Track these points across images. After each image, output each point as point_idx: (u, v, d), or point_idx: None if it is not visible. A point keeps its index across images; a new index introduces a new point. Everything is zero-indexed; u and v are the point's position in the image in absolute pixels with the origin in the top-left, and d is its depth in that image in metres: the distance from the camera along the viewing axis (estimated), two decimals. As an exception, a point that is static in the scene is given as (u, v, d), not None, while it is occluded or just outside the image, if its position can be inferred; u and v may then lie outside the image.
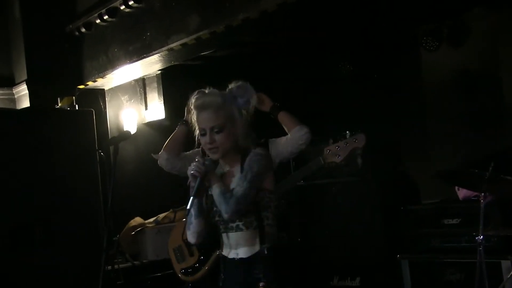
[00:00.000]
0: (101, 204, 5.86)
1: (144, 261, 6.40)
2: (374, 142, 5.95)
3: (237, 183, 3.03)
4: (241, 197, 2.98)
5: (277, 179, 3.50)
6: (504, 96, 6.27)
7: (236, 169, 3.09)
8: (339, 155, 3.96)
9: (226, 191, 3.01)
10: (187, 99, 5.02)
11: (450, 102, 6.77)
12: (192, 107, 3.15)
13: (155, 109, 7.17)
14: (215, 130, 3.04)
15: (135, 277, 6.14)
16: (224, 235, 3.16)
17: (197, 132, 3.16)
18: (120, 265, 5.48)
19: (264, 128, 3.55)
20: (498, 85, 6.31)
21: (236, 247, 3.12)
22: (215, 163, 3.16)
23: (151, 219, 6.69)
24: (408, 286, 5.19)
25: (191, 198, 3.03)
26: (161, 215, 6.68)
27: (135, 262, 6.36)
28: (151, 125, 7.33)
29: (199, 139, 3.15)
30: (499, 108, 6.29)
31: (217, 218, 3.12)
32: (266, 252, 3.04)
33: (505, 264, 4.60)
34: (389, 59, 6.96)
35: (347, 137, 3.92)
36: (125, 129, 7.00)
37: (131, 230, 6.56)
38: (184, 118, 4.47)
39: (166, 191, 6.98)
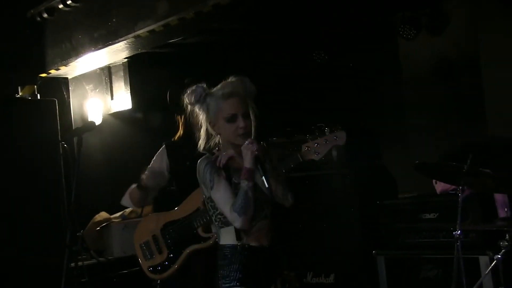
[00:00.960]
0: (64, 198, 5.83)
1: (110, 257, 6.38)
2: (350, 133, 6.03)
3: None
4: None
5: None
6: (484, 85, 6.33)
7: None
8: (318, 153, 3.95)
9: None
10: (155, 88, 5.02)
11: (429, 92, 6.82)
12: (214, 96, 3.33)
13: (122, 99, 7.13)
14: (245, 116, 3.28)
15: (100, 275, 6.10)
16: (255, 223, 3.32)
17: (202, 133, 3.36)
18: (84, 262, 5.42)
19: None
20: (478, 74, 6.36)
21: (259, 236, 3.34)
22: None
23: (117, 214, 6.67)
24: (384, 283, 5.22)
25: (265, 176, 3.20)
26: (128, 210, 6.65)
27: (100, 258, 6.33)
28: (117, 115, 7.29)
29: (222, 128, 3.30)
30: (480, 98, 6.35)
31: None
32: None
33: (483, 259, 4.66)
34: (366, 48, 6.99)
35: (327, 134, 3.91)
36: (89, 120, 6.93)
37: (96, 225, 6.53)
38: (141, 182, 4.62)
39: (132, 183, 6.96)
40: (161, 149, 4.71)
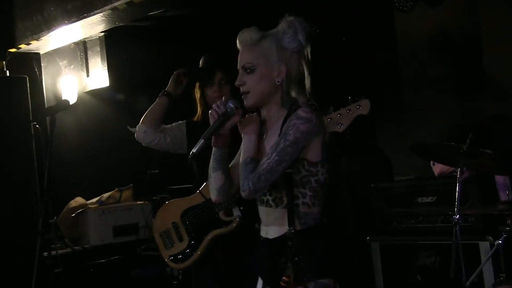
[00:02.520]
0: (36, 183, 5.82)
1: (86, 246, 6.38)
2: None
3: (268, 151, 2.86)
4: (265, 173, 2.82)
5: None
6: (485, 60, 6.33)
7: (276, 128, 2.97)
8: (341, 124, 3.92)
9: (251, 161, 2.87)
10: (134, 64, 5.02)
11: (426, 68, 6.82)
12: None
13: (98, 76, 7.11)
14: (247, 70, 2.97)
15: (75, 264, 6.11)
16: (258, 207, 3.05)
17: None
18: (58, 251, 5.43)
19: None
20: (478, 48, 6.36)
21: (267, 224, 3.01)
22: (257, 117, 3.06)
23: (94, 199, 6.66)
24: (379, 270, 5.26)
25: (200, 141, 2.98)
26: (105, 195, 6.66)
27: (75, 247, 6.33)
28: (93, 93, 7.27)
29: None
30: (480, 74, 6.35)
31: None
32: (293, 236, 2.86)
33: (483, 245, 4.69)
34: (359, 21, 6.97)
35: (350, 103, 3.91)
36: (63, 98, 6.90)
37: (71, 211, 6.53)
38: (166, 89, 4.51)
39: (110, 167, 6.97)
40: (180, 122, 4.68)
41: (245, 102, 2.99)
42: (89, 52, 7.24)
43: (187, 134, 4.62)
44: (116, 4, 5.75)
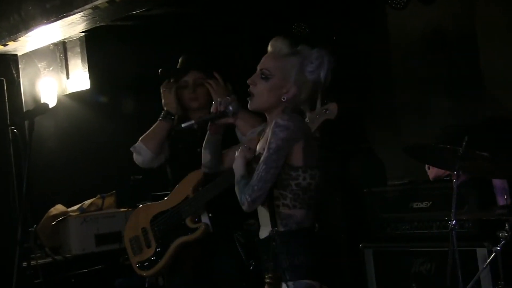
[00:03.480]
0: (14, 189, 5.80)
1: (67, 255, 6.35)
2: (336, 114, 6.04)
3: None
4: (257, 183, 3.07)
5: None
6: (482, 59, 6.35)
7: (267, 135, 3.21)
8: None
9: (242, 178, 3.13)
10: (116, 66, 5.01)
11: (420, 67, 6.83)
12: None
13: (79, 78, 7.09)
14: (262, 74, 3.23)
15: (56, 275, 6.09)
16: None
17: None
18: (38, 261, 5.42)
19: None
20: (474, 47, 6.38)
21: (262, 224, 3.27)
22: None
23: (75, 207, 6.64)
24: (372, 278, 5.26)
25: (192, 121, 3.32)
26: (87, 202, 6.63)
27: (56, 257, 6.30)
28: (73, 96, 7.25)
29: None
30: (476, 74, 6.37)
31: None
32: (275, 237, 3.12)
33: (480, 252, 4.69)
34: (350, 19, 6.98)
35: (318, 106, 3.94)
36: (42, 102, 6.87)
37: (51, 219, 6.50)
38: (166, 108, 4.57)
39: (92, 173, 6.95)
40: None
41: (248, 103, 3.28)
42: (69, 53, 7.21)
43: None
44: (97, 3, 5.72)
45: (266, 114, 3.31)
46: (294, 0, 6.85)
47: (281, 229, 3.13)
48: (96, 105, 7.22)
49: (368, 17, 6.98)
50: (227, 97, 3.44)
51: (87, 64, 7.01)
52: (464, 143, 4.19)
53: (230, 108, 3.36)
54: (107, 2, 5.68)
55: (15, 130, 5.74)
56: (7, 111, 5.85)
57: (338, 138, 5.78)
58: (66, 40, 7.12)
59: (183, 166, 4.54)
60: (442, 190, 4.95)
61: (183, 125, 3.33)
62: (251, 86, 3.25)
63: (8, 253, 4.57)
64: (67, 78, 7.22)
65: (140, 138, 4.67)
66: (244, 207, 3.09)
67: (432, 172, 5.33)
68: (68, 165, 7.01)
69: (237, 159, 3.24)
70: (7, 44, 6.75)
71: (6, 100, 5.87)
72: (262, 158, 3.07)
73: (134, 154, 4.66)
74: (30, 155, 4.29)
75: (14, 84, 6.95)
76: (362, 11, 6.90)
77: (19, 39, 6.59)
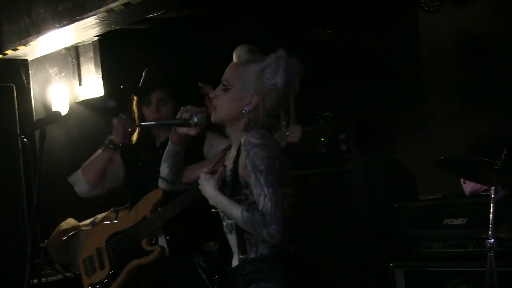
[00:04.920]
0: (24, 203, 5.79)
1: (78, 272, 6.31)
2: (361, 123, 6.01)
3: (255, 192, 2.95)
4: (275, 209, 2.89)
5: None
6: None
7: (234, 151, 3.16)
8: None
9: (248, 210, 2.93)
10: (131, 72, 5.00)
11: (453, 74, 6.79)
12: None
13: (91, 84, 7.09)
14: (223, 86, 3.16)
15: (67, 292, 6.08)
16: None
17: None
18: (48, 278, 5.43)
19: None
20: (509, 53, 6.34)
21: (233, 252, 3.18)
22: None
23: (87, 221, 6.63)
24: (403, 299, 5.21)
25: (153, 122, 3.57)
26: (100, 216, 6.61)
27: (67, 274, 6.29)
28: (86, 104, 7.26)
29: None
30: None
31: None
32: (245, 265, 3.04)
33: (520, 273, 4.63)
34: (380, 22, 6.96)
35: (282, 128, 3.94)
36: (54, 109, 6.89)
37: (62, 234, 6.49)
38: (112, 137, 4.61)
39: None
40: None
41: (212, 117, 3.20)
42: (81, 58, 7.22)
43: (122, 156, 4.66)
44: (111, 5, 5.73)
45: (228, 128, 3.23)
46: (319, 2, 6.81)
47: (252, 255, 3.04)
48: (110, 113, 7.20)
49: (398, 20, 6.96)
50: (196, 108, 3.32)
51: (100, 69, 7.02)
52: (502, 155, 4.14)
53: (195, 118, 3.28)
54: (122, 4, 5.69)
55: (25, 140, 5.71)
56: (17, 119, 5.84)
57: (364, 149, 5.75)
58: (78, 45, 7.14)
59: (142, 185, 4.51)
60: (478, 206, 4.87)
61: (143, 124, 3.52)
62: (214, 100, 3.18)
63: (17, 270, 4.54)
64: (80, 84, 7.23)
65: (81, 166, 4.69)
66: (276, 239, 2.90)
67: (468, 186, 5.27)
68: (80, 176, 7.00)
69: (211, 193, 3.07)
70: (17, 49, 6.78)
71: (16, 108, 5.88)
72: (258, 185, 2.91)
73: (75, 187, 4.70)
74: (41, 166, 4.27)
75: (24, 91, 6.98)
76: (392, 13, 6.86)
77: (29, 43, 6.62)
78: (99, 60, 7.03)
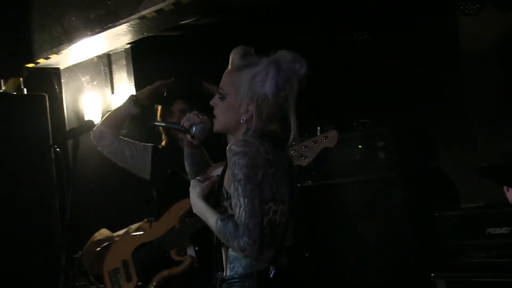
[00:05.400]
0: (57, 213, 5.81)
1: (102, 286, 6.36)
2: (400, 130, 5.99)
3: (233, 201, 2.87)
4: (249, 220, 2.80)
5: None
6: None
7: None
8: (305, 157, 3.94)
9: (222, 219, 2.87)
10: (164, 78, 5.02)
11: (495, 79, 6.73)
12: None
13: (124, 92, 7.12)
14: (219, 94, 3.08)
15: (101, 304, 6.09)
16: None
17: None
18: (82, 290, 5.47)
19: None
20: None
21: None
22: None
23: (121, 231, 6.63)
24: (445, 312, 5.17)
25: (163, 123, 3.75)
26: (133, 226, 6.60)
27: (100, 285, 6.30)
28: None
29: None
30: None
31: None
32: (221, 283, 2.98)
33: None
34: (417, 27, 6.92)
35: (317, 134, 3.91)
36: (86, 119, 6.93)
37: (95, 245, 6.49)
38: (136, 94, 4.61)
39: (138, 196, 6.93)
40: (146, 144, 4.79)
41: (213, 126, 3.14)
42: (114, 66, 7.27)
43: (152, 159, 4.70)
44: (144, 12, 5.76)
45: (229, 136, 3.16)
46: (355, 7, 6.80)
47: (228, 272, 2.95)
48: (143, 122, 7.22)
49: (437, 23, 6.91)
50: (197, 117, 3.23)
51: (133, 77, 7.06)
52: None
53: (194, 128, 3.21)
54: (155, 11, 5.72)
55: (57, 150, 5.75)
56: (49, 129, 5.87)
57: (403, 157, 5.73)
58: (111, 52, 7.19)
59: (170, 194, 4.51)
60: (523, 214, 4.84)
61: (155, 123, 3.64)
62: (214, 109, 3.10)
63: (52, 281, 4.58)
64: (112, 93, 7.28)
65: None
66: (247, 253, 2.81)
67: (511, 194, 5.23)
68: (113, 186, 7.03)
69: (194, 201, 3.06)
70: (49, 57, 6.83)
71: (49, 117, 5.90)
72: (235, 194, 2.82)
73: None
74: (75, 176, 4.30)
75: (57, 100, 7.03)
76: (430, 17, 6.83)
77: (61, 51, 6.67)
78: (132, 68, 7.08)
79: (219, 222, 2.87)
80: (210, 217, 2.94)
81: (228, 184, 2.93)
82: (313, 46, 7.38)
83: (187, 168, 3.37)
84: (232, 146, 2.87)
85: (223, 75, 3.09)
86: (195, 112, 3.28)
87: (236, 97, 3.00)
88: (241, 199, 2.81)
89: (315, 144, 3.87)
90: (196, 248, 4.40)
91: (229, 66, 3.07)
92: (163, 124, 3.45)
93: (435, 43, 7.01)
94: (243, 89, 2.98)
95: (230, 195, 2.90)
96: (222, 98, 3.04)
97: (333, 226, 5.98)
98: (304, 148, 3.88)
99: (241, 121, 3.00)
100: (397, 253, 5.57)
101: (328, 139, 3.83)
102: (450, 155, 6.51)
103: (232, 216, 2.86)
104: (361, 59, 7.31)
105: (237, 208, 2.82)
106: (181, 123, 3.26)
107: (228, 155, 2.87)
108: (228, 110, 3.03)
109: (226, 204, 2.94)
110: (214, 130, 3.13)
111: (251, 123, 2.98)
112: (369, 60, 7.28)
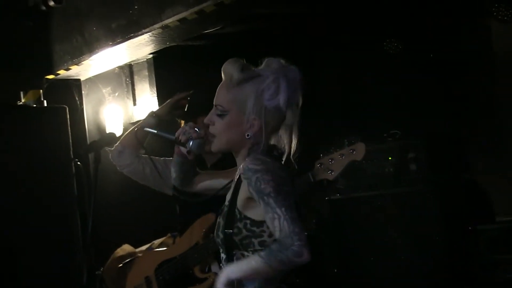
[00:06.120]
0: (78, 229, 5.84)
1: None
2: (432, 141, 5.97)
3: (266, 217, 2.79)
4: (293, 226, 2.73)
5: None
6: None
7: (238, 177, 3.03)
8: (331, 171, 3.92)
9: (271, 245, 2.77)
10: (187, 89, 5.05)
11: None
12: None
13: (146, 104, 7.15)
14: (218, 111, 2.98)
15: (123, 322, 6.10)
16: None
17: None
18: (104, 307, 5.47)
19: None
20: None
21: None
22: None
23: (144, 247, 6.64)
24: (481, 330, 5.16)
25: (154, 131, 3.44)
26: (157, 242, 6.61)
27: (123, 303, 6.33)
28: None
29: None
30: None
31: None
32: None
33: None
34: (450, 34, 6.91)
35: (345, 146, 3.89)
36: (108, 131, 6.96)
37: (117, 261, 6.51)
38: (156, 111, 4.66)
39: (161, 210, 6.95)
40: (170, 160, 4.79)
41: (209, 146, 3.04)
42: (135, 77, 7.29)
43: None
44: (166, 21, 5.78)
45: (234, 155, 3.05)
46: (385, 14, 6.79)
47: None
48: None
49: (470, 31, 6.90)
50: (195, 132, 3.18)
51: (155, 88, 7.08)
52: None
53: (190, 143, 3.17)
54: (178, 20, 5.73)
55: (78, 163, 5.79)
56: (70, 142, 5.90)
57: (436, 168, 5.70)
58: (132, 63, 7.22)
59: (192, 206, 4.49)
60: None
61: (145, 129, 3.60)
62: (210, 127, 3.01)
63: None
64: (134, 104, 7.30)
65: None
66: (305, 256, 2.71)
67: (549, 207, 5.22)
68: (135, 200, 7.03)
69: (223, 277, 2.87)
70: (70, 68, 6.87)
71: (69, 130, 5.93)
72: (267, 209, 2.76)
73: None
74: (96, 190, 4.32)
75: (77, 112, 7.06)
76: (463, 24, 6.82)
77: (82, 62, 6.70)
78: (154, 79, 7.09)
79: (262, 254, 2.77)
80: (249, 262, 2.82)
81: (243, 205, 2.89)
82: (342, 55, 7.39)
83: (173, 174, 3.39)
84: (250, 165, 2.83)
85: (219, 90, 3.01)
86: (191, 124, 3.26)
87: (239, 113, 2.94)
88: (277, 210, 2.75)
89: (342, 157, 3.86)
90: (221, 264, 4.40)
91: (227, 81, 3.01)
92: (155, 132, 3.38)
93: (468, 50, 7.00)
94: (249, 104, 2.92)
95: (244, 216, 2.88)
96: (222, 115, 2.96)
97: (363, 240, 5.96)
98: (330, 161, 3.88)
99: (247, 137, 2.94)
100: (429, 269, 5.54)
101: (355, 152, 3.82)
102: (484, 167, 6.49)
103: (261, 248, 2.85)
104: (391, 67, 7.31)
105: (276, 221, 2.75)
106: (177, 136, 3.21)
107: (248, 174, 2.82)
108: (231, 127, 2.96)
109: (240, 225, 2.89)
110: (214, 149, 3.03)
111: (259, 138, 2.93)
112: (399, 68, 7.27)
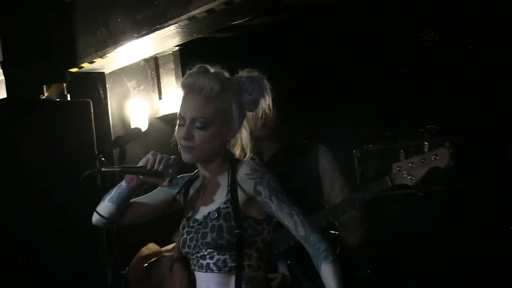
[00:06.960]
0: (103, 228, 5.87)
1: (162, 303, 6.41)
2: (470, 138, 5.93)
3: (284, 212, 3.05)
4: (311, 229, 3.04)
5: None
6: None
7: (222, 178, 3.16)
8: (412, 176, 3.86)
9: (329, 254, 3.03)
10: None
11: None
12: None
13: (173, 98, 7.16)
14: (197, 124, 3.06)
15: (149, 324, 6.14)
16: (195, 273, 3.21)
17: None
18: (129, 308, 5.50)
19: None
20: None
21: None
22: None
23: (170, 246, 6.67)
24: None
25: (117, 169, 3.32)
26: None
27: (149, 303, 6.36)
28: (167, 119, 7.31)
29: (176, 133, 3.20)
30: None
31: (185, 250, 3.19)
32: None
33: None
34: (490, 24, 6.86)
35: (425, 150, 3.81)
36: (133, 126, 6.99)
37: (143, 260, 6.55)
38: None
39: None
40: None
41: (184, 157, 3.12)
42: (161, 70, 7.31)
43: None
44: (194, 12, 5.79)
45: (205, 163, 3.19)
46: (421, 4, 6.76)
47: None
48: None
49: (510, 22, 6.84)
50: (169, 157, 3.18)
51: (181, 82, 7.09)
52: None
53: (170, 171, 3.16)
54: (205, 11, 5.73)
55: (103, 159, 5.82)
56: (94, 137, 5.93)
57: (474, 165, 5.68)
58: (158, 56, 7.24)
59: None
60: None
61: (103, 169, 3.42)
62: (187, 141, 3.08)
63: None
64: (160, 98, 7.31)
65: None
66: (325, 244, 3.04)
67: None
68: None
69: None
70: (94, 61, 6.91)
71: (93, 125, 5.96)
72: (281, 206, 3.02)
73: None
74: (121, 188, 4.34)
75: (101, 106, 7.09)
76: (503, 14, 6.76)
77: (106, 55, 6.73)
78: (180, 72, 7.10)
79: (326, 261, 3.02)
80: (332, 274, 3.01)
81: (243, 205, 3.08)
82: (376, 47, 7.37)
83: (112, 209, 3.37)
84: (256, 167, 3.09)
85: (194, 105, 3.08)
86: (156, 152, 3.23)
87: (223, 122, 3.08)
88: (293, 206, 3.04)
89: (423, 161, 3.79)
90: (289, 262, 4.33)
91: (205, 93, 3.08)
92: (118, 170, 3.32)
93: (508, 43, 6.94)
94: (232, 111, 3.10)
95: (248, 216, 3.06)
96: (206, 128, 3.06)
97: (397, 240, 5.95)
98: (411, 165, 3.81)
99: (226, 142, 3.13)
100: (465, 271, 5.52)
101: (439, 158, 3.76)
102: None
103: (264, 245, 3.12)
104: (427, 60, 7.27)
105: (295, 216, 3.02)
106: (150, 166, 3.16)
107: (258, 174, 3.05)
108: (214, 137, 3.08)
109: (245, 224, 3.06)
110: (192, 161, 3.15)
111: (231, 141, 3.15)
112: (435, 61, 7.23)
